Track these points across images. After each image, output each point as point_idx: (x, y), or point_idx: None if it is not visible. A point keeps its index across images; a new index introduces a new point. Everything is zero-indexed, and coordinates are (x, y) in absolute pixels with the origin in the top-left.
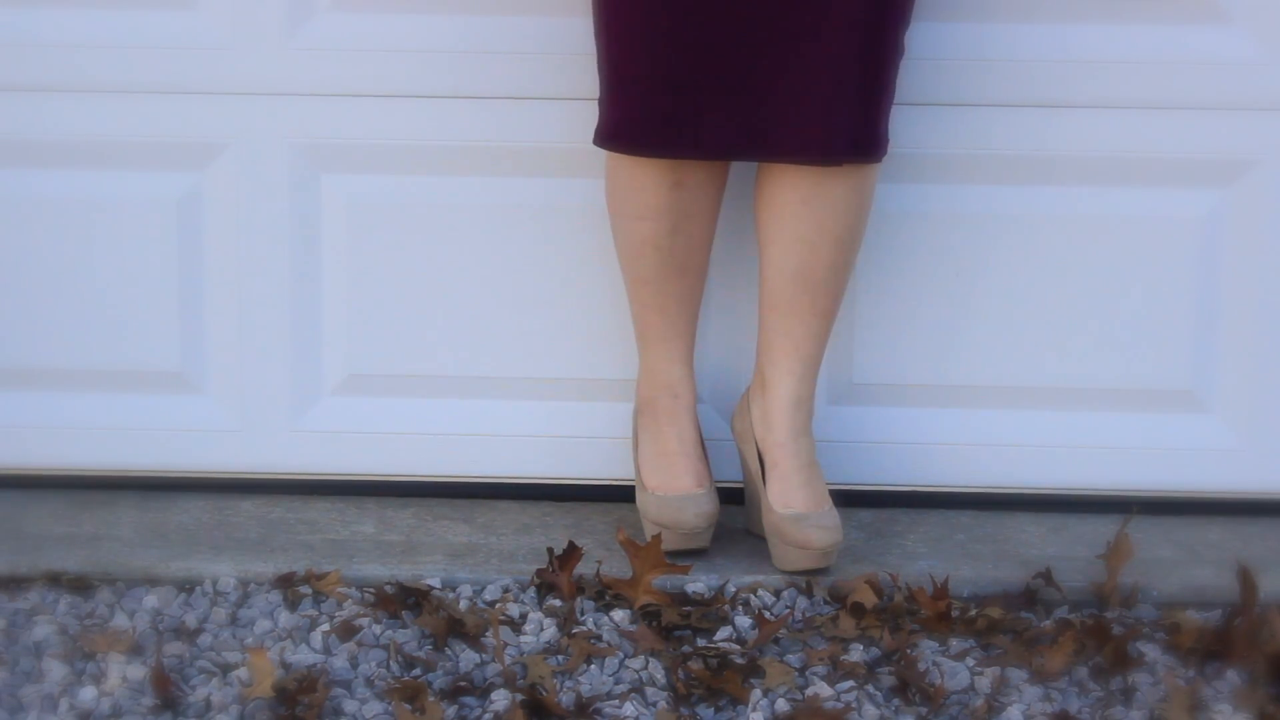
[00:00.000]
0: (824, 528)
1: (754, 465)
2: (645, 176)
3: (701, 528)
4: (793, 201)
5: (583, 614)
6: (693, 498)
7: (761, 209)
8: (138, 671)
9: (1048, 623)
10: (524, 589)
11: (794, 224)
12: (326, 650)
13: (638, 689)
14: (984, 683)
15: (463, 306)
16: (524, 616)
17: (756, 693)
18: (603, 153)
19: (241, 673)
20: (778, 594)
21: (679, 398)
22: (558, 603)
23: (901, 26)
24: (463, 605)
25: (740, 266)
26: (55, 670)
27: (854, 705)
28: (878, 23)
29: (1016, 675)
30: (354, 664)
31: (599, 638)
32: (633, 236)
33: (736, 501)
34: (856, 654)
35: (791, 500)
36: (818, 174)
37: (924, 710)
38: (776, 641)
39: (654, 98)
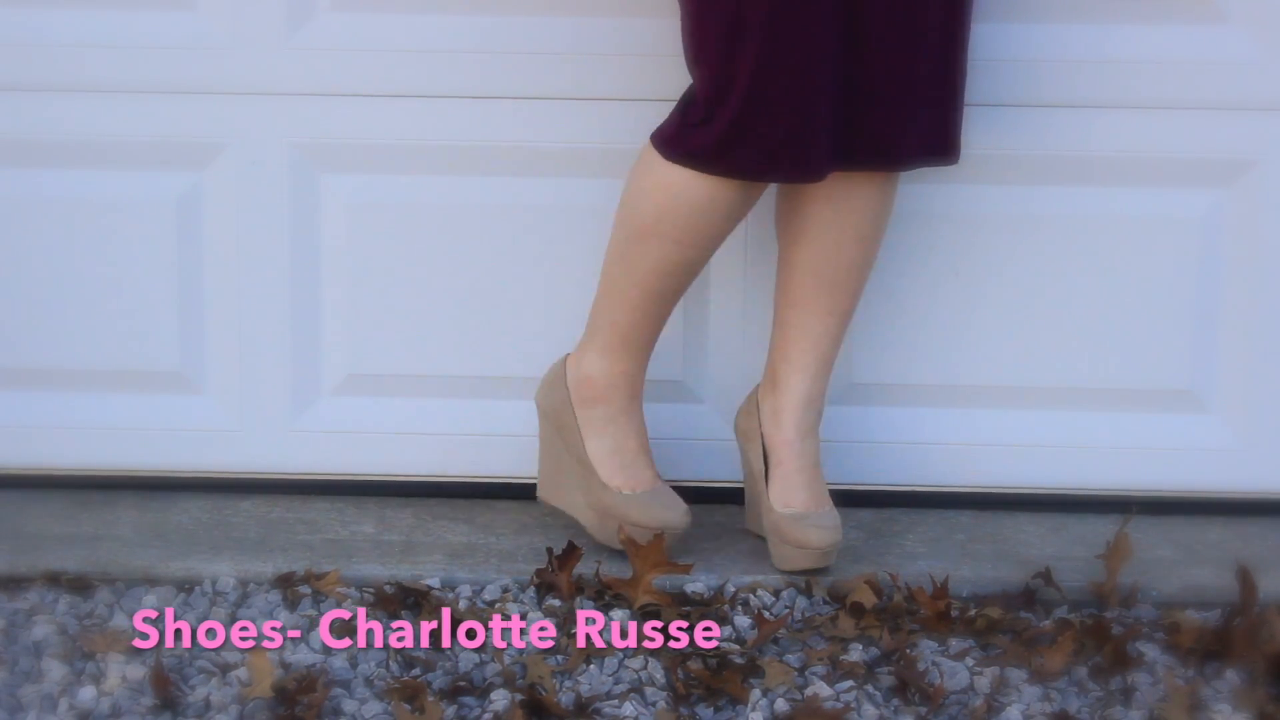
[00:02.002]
0: (823, 527)
1: (757, 464)
2: (714, 207)
3: (686, 525)
4: (819, 200)
5: None
6: (662, 491)
7: (786, 207)
8: (137, 671)
9: (1047, 623)
10: (523, 589)
11: (819, 222)
12: (326, 650)
13: (637, 689)
14: (983, 683)
15: (463, 306)
16: (524, 616)
17: (756, 693)
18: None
19: (241, 673)
20: (777, 594)
21: (638, 396)
22: (557, 603)
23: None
24: (462, 605)
25: (741, 268)
26: (55, 670)
27: (853, 705)
28: (958, 26)
29: (1016, 675)
30: (353, 664)
31: None
32: (668, 259)
33: (737, 501)
34: (856, 654)
35: (792, 500)
36: (891, 186)
37: (923, 710)
38: (776, 641)
39: (783, 119)
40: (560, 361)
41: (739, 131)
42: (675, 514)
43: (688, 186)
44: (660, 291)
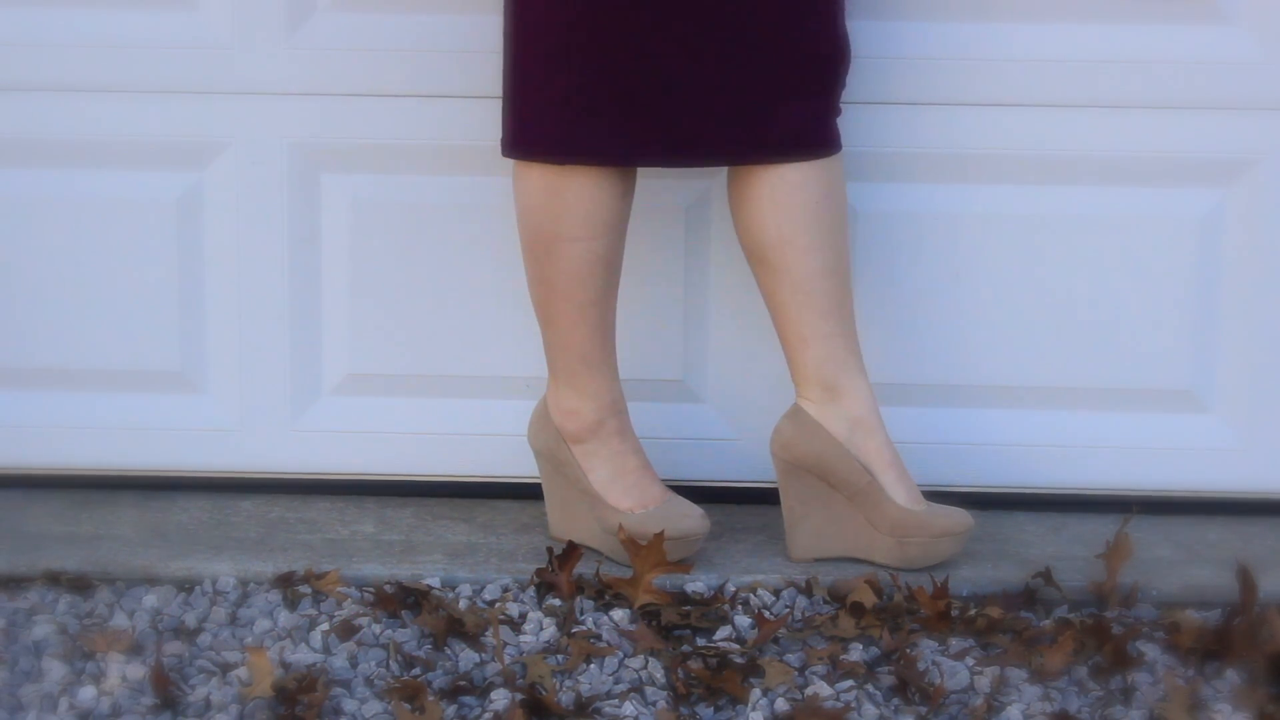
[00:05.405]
0: (958, 508)
1: (862, 479)
2: (602, 191)
3: (707, 530)
4: (816, 200)
5: (582, 613)
6: (674, 502)
7: (783, 220)
8: (137, 671)
9: (1047, 622)
10: (523, 588)
11: (821, 223)
12: (326, 650)
13: (637, 688)
14: (983, 682)
15: (463, 306)
16: (524, 616)
17: (756, 692)
18: None
19: (241, 672)
20: (777, 593)
21: (622, 412)
22: (557, 602)
23: None
24: (462, 605)
25: (741, 268)
26: (55, 670)
27: (853, 705)
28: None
29: (1016, 675)
30: (353, 663)
31: (598, 637)
32: (581, 259)
33: (737, 501)
34: (856, 653)
35: (917, 496)
36: (827, 170)
37: (923, 710)
38: (776, 641)
39: (647, 101)
40: (542, 400)
41: (569, 123)
42: (693, 521)
43: (558, 179)
44: (591, 298)
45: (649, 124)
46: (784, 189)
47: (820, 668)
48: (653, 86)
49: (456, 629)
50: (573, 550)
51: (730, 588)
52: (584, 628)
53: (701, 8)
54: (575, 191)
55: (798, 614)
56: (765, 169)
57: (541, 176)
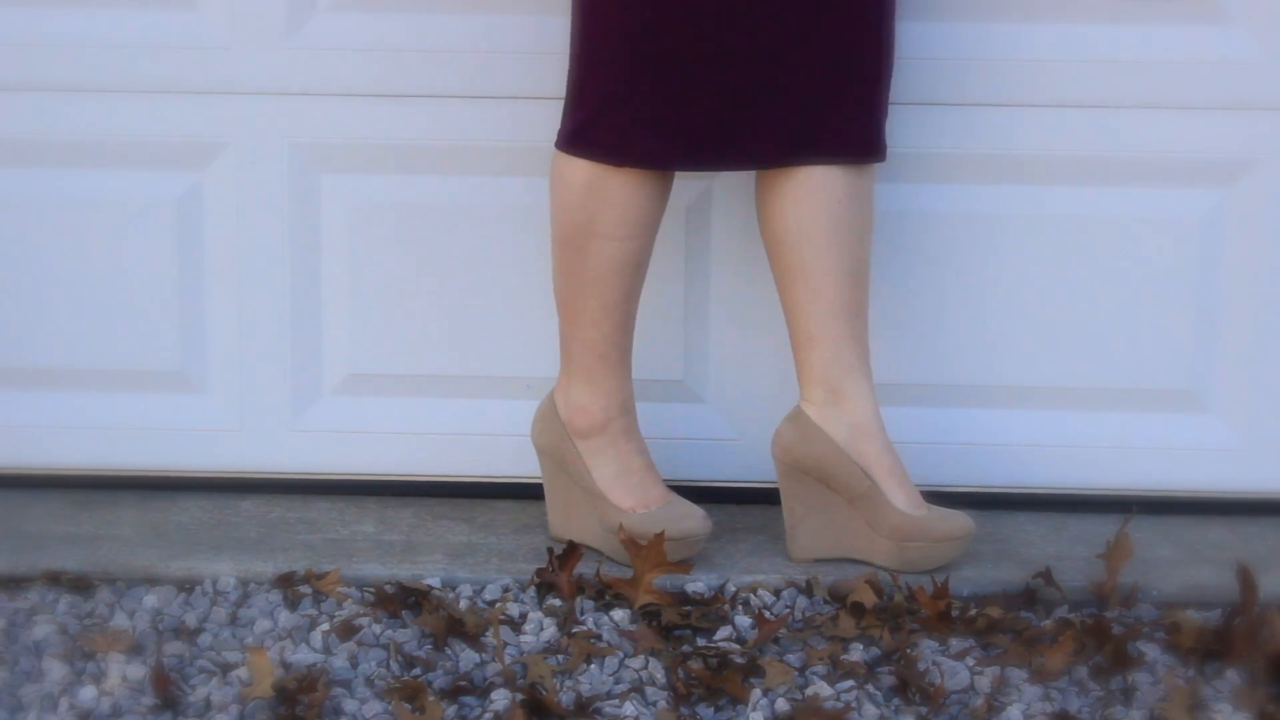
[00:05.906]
0: (959, 512)
1: (861, 485)
2: (642, 191)
3: (709, 531)
4: (838, 200)
5: (583, 614)
6: (676, 503)
7: (803, 217)
8: (138, 671)
9: (1047, 622)
10: (524, 589)
11: (841, 224)
12: (326, 650)
13: (638, 688)
14: (984, 682)
15: (463, 306)
16: (524, 616)
17: (756, 692)
18: None
19: (241, 672)
20: (778, 593)
21: (631, 412)
22: (558, 602)
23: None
24: (463, 605)
25: (741, 268)
26: (55, 670)
27: (854, 705)
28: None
29: (1016, 675)
30: (354, 664)
31: (599, 637)
32: (613, 258)
33: (737, 501)
34: (856, 653)
35: (918, 500)
36: (853, 172)
37: (924, 710)
38: (776, 641)
39: (706, 106)
40: (548, 397)
41: (631, 125)
42: (695, 522)
43: (598, 177)
44: (618, 298)
45: (703, 130)
46: (809, 186)
47: (820, 668)
48: (710, 94)
49: (457, 629)
50: (573, 550)
51: (731, 588)
52: (584, 628)
53: (758, 17)
54: (616, 190)
55: (798, 614)
56: (795, 167)
57: (585, 173)
